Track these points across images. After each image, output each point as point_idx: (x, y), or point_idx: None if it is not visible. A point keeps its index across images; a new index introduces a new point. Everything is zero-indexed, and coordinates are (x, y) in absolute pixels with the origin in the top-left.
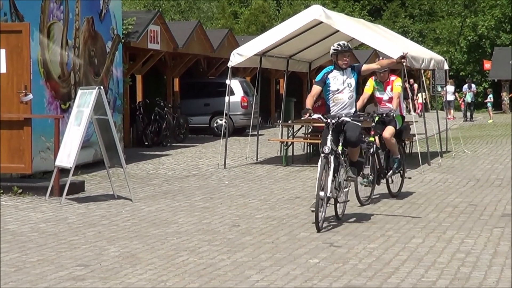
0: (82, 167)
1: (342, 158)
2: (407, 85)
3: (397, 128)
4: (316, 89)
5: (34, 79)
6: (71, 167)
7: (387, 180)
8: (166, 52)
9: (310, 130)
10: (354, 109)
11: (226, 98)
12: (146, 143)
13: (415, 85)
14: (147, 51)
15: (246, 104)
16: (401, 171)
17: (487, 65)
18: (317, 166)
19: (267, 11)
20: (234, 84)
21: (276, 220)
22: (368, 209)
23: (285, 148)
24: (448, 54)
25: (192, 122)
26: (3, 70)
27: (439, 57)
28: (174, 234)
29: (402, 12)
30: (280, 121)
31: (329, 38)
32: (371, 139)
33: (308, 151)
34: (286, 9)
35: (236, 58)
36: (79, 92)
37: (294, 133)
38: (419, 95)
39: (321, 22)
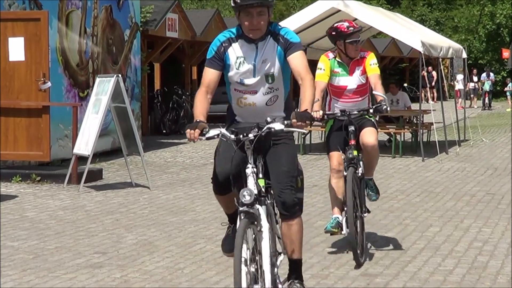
0: (100, 155)
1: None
2: (425, 73)
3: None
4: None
5: (52, 67)
6: (89, 155)
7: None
8: (184, 40)
9: None
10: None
11: None
12: (164, 131)
13: (434, 73)
14: (165, 39)
15: None
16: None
17: (505, 53)
18: None
19: None
20: None
21: None
22: (385, 198)
23: (302, 136)
24: (466, 42)
25: (210, 110)
26: (22, 58)
27: (457, 46)
28: (191, 222)
29: (420, 1)
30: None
31: None
32: (355, 152)
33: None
34: None
35: None
36: (97, 80)
37: (312, 122)
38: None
39: (339, 11)
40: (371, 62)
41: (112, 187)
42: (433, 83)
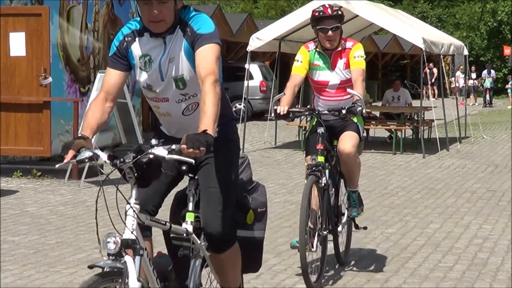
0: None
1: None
2: (427, 70)
3: (361, 135)
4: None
5: (53, 62)
6: None
7: (335, 236)
8: None
9: None
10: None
11: (245, 83)
12: None
13: (435, 70)
14: None
15: (265, 88)
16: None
17: (507, 50)
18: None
19: None
20: (253, 68)
21: (294, 204)
22: (386, 194)
23: (303, 132)
24: (468, 39)
25: None
26: (23, 53)
27: (459, 43)
28: None
29: None
30: (299, 106)
31: (348, 23)
32: (320, 159)
33: None
34: None
35: (255, 42)
36: (98, 75)
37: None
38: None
39: (341, 7)
40: (356, 54)
41: (112, 182)
42: (433, 80)
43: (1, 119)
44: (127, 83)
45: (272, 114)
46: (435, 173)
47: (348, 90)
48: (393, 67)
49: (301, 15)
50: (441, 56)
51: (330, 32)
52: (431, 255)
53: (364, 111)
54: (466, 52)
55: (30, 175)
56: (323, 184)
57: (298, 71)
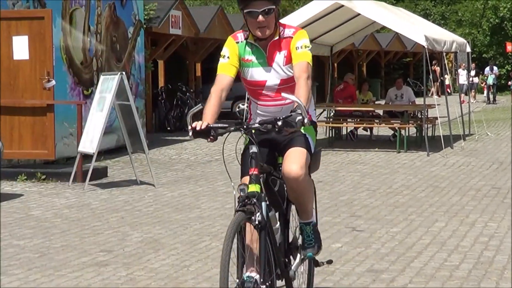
0: (105, 153)
1: None
2: (437, 68)
3: (312, 150)
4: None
5: (56, 65)
6: (94, 153)
7: (287, 281)
8: (187, 37)
9: (332, 114)
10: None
11: None
12: (169, 128)
13: (437, 68)
14: (168, 36)
15: None
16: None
17: (509, 47)
18: (338, 151)
19: None
20: None
21: None
22: (390, 193)
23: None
24: (470, 36)
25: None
26: (26, 56)
27: (461, 40)
28: (196, 219)
29: None
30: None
31: (350, 22)
32: (253, 188)
33: (331, 135)
34: None
35: None
36: (101, 78)
37: (316, 117)
38: (446, 76)
39: (342, 6)
40: (298, 43)
41: (117, 185)
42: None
43: (6, 123)
44: (130, 85)
45: (190, 133)
46: (439, 171)
47: (283, 94)
48: (396, 65)
49: (303, 15)
50: (444, 54)
51: (260, 17)
52: (437, 254)
53: (306, 120)
54: (468, 49)
55: (34, 179)
56: (257, 222)
57: (224, 70)
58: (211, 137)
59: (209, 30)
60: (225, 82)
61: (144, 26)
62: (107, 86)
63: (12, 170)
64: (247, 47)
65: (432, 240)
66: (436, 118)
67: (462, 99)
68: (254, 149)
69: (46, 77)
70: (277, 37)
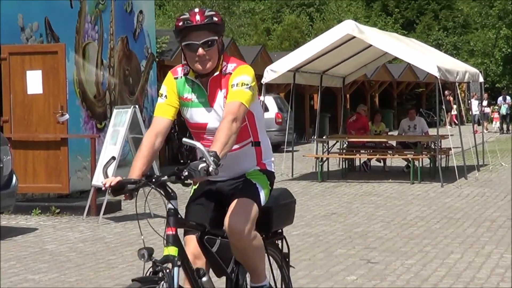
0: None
1: None
2: (451, 98)
3: (262, 202)
4: None
5: (70, 99)
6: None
7: None
8: None
9: (345, 145)
10: None
11: None
12: (182, 161)
13: (451, 98)
14: None
15: (280, 120)
16: None
17: None
18: (352, 182)
19: (300, 26)
20: (268, 100)
21: (313, 236)
22: (405, 225)
23: (320, 163)
24: (483, 66)
25: None
26: (40, 91)
27: (474, 70)
28: None
29: (436, 25)
30: (315, 137)
31: (362, 53)
32: (169, 250)
33: (344, 166)
34: (319, 24)
35: (270, 74)
36: (115, 111)
37: (329, 149)
38: (454, 106)
39: (354, 37)
40: (235, 80)
41: (131, 218)
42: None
43: (19, 157)
44: (143, 119)
45: (104, 187)
46: (454, 202)
47: (184, 140)
48: (409, 95)
49: (314, 46)
50: (457, 84)
51: (200, 50)
52: (453, 286)
53: (211, 169)
54: (481, 79)
55: (49, 212)
56: None
57: (161, 112)
58: (128, 194)
59: None
60: (161, 125)
61: (157, 59)
62: (121, 119)
63: (27, 204)
64: (186, 84)
65: (447, 272)
66: (450, 148)
67: (475, 129)
68: (171, 205)
69: (60, 111)
70: (218, 73)
